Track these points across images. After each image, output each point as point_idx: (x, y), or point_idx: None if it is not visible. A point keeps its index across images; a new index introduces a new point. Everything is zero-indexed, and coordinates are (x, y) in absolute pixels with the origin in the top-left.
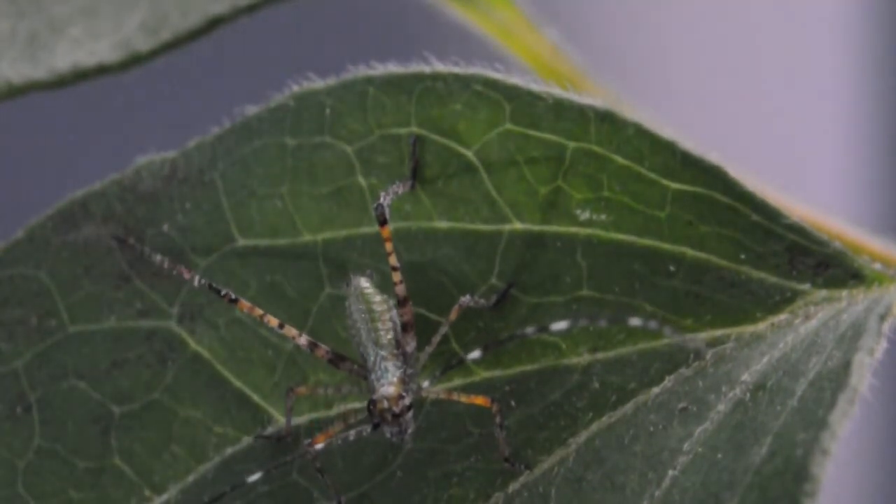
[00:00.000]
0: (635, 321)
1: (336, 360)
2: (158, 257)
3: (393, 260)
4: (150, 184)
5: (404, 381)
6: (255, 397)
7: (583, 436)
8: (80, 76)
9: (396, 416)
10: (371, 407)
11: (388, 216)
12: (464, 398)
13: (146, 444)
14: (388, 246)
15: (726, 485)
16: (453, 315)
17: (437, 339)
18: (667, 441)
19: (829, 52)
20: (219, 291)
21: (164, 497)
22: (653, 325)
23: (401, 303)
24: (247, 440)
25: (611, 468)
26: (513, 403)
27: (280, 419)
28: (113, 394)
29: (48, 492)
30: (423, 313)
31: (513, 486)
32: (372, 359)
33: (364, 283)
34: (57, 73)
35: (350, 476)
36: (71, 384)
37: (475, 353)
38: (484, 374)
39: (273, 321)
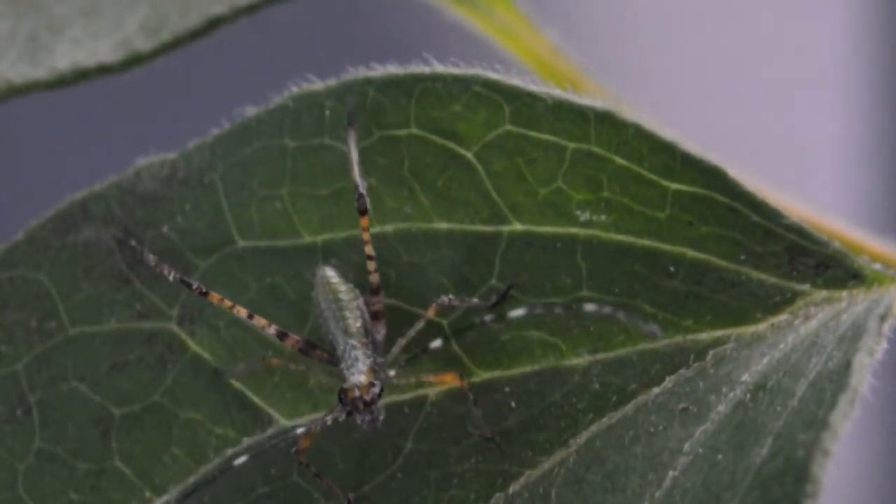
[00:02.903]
0: (590, 307)
1: (306, 349)
2: (152, 257)
3: (369, 249)
4: (149, 185)
5: (374, 370)
6: (255, 399)
7: (583, 437)
8: (80, 76)
9: (368, 404)
10: (342, 396)
11: (368, 206)
12: (433, 378)
13: (146, 445)
14: (366, 235)
15: (727, 485)
16: (431, 312)
17: (412, 332)
18: (667, 442)
19: (829, 51)
20: (190, 285)
21: (165, 498)
22: (606, 311)
23: (374, 292)
24: (247, 441)
25: (611, 469)
26: (513, 404)
27: (281, 420)
28: (113, 396)
29: (49, 494)
30: (423, 314)
31: (513, 488)
32: (341, 347)
33: (330, 272)
34: (57, 73)
35: (350, 477)
36: (71, 386)
37: (437, 343)
38: (484, 375)
39: (242, 311)
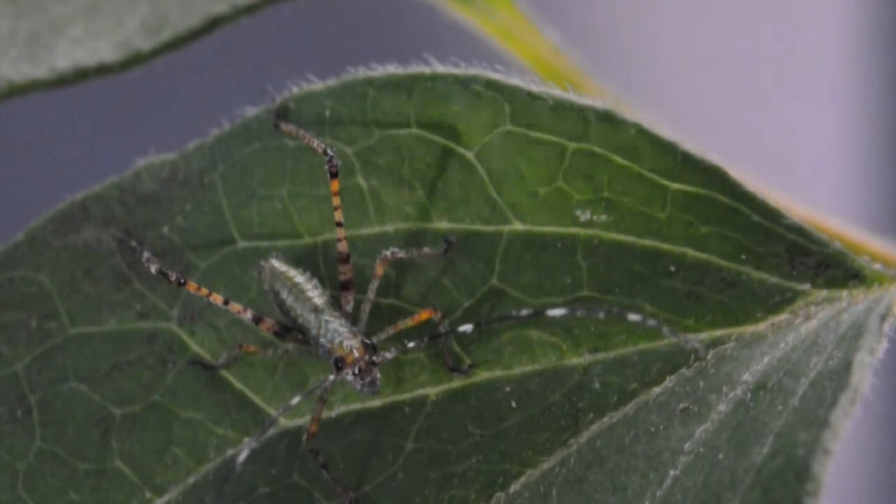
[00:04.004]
0: (634, 316)
1: (282, 331)
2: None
3: (339, 215)
4: (149, 186)
5: (355, 335)
6: (256, 399)
7: (584, 436)
8: (80, 76)
9: (371, 364)
10: (340, 364)
11: (339, 168)
12: (409, 322)
13: (147, 445)
14: (336, 200)
15: (728, 485)
16: (379, 270)
17: (371, 294)
18: (668, 441)
19: (829, 52)
20: (167, 275)
21: (165, 498)
22: (651, 322)
23: (342, 260)
24: (247, 441)
25: (612, 468)
26: (513, 404)
27: (281, 421)
28: (113, 396)
29: (49, 494)
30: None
31: (514, 487)
32: (315, 325)
33: (276, 262)
34: (58, 72)
35: (352, 477)
36: (71, 386)
37: (467, 327)
38: (484, 375)
39: (218, 298)
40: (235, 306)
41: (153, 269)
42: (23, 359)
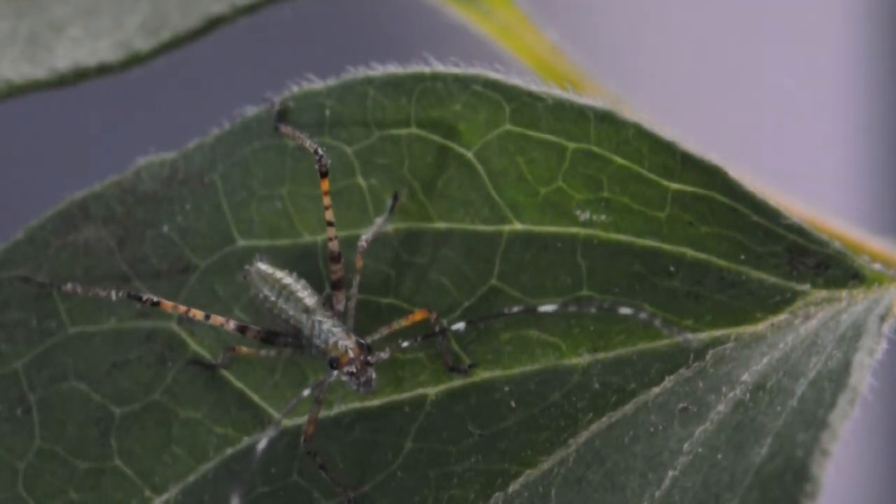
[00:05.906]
0: (625, 310)
1: (270, 337)
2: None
3: (329, 215)
4: (150, 185)
5: (349, 335)
6: (255, 398)
7: (583, 436)
8: (80, 76)
9: (367, 364)
10: (335, 364)
11: (328, 167)
12: (404, 322)
13: (146, 444)
14: (327, 200)
15: (726, 485)
16: (359, 263)
17: (355, 289)
18: (667, 441)
19: (830, 52)
20: (140, 298)
21: (165, 497)
22: (643, 315)
23: (334, 259)
24: (247, 440)
25: (611, 468)
26: (513, 404)
27: (282, 421)
28: (113, 395)
29: (49, 493)
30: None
31: (513, 487)
32: (308, 326)
33: (262, 265)
34: (57, 72)
35: (351, 477)
36: (71, 385)
37: (459, 325)
38: (484, 375)
39: (198, 314)
40: (218, 319)
41: (117, 294)
42: (23, 357)
